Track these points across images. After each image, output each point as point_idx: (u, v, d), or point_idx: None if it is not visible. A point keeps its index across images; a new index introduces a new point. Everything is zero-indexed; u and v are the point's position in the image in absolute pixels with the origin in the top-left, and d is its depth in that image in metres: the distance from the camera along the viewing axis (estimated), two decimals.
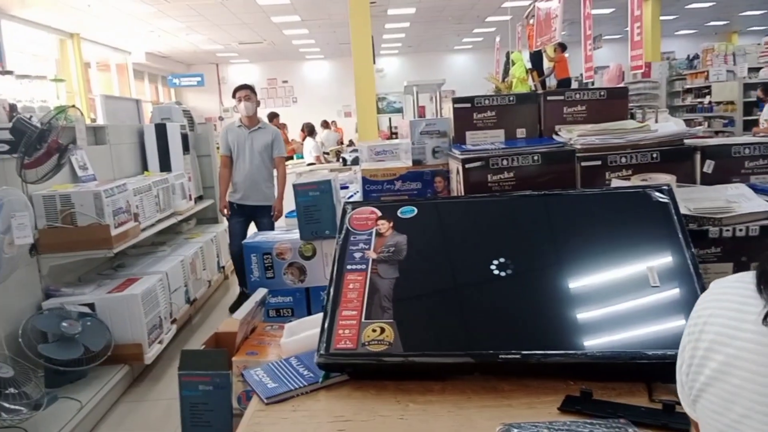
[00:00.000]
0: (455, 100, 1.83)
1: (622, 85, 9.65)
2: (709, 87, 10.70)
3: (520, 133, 1.82)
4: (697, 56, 12.01)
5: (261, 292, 1.67)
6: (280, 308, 1.97)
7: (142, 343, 3.59)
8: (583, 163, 1.58)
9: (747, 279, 0.65)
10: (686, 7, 14.49)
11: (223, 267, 5.92)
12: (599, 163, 1.58)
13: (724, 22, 17.34)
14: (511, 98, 1.82)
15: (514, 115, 1.82)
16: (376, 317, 1.24)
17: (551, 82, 10.99)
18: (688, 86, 11.81)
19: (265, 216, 4.89)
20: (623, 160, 1.58)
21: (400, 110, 16.75)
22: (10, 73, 8.14)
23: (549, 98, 1.82)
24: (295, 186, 1.88)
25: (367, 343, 1.20)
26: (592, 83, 10.33)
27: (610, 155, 1.58)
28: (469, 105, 1.81)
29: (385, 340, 1.20)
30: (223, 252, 5.94)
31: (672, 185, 1.38)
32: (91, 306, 3.49)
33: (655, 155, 1.58)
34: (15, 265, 2.85)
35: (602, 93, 1.82)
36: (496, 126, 1.81)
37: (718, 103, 10.27)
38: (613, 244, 1.27)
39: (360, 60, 5.37)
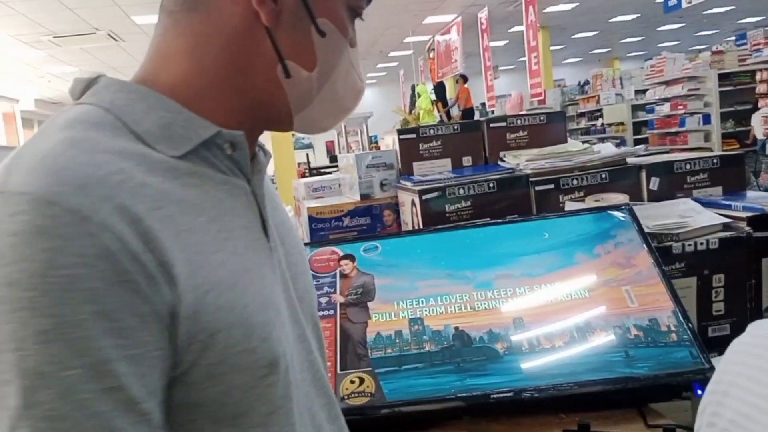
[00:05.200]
0: (400, 132, 1.79)
1: (524, 111, 10.10)
2: (600, 110, 11.41)
3: (466, 161, 1.80)
4: (587, 82, 12.81)
5: None
6: None
7: None
8: (537, 188, 1.57)
9: None
10: (572, 36, 15.50)
11: None
12: (552, 186, 1.57)
13: (607, 50, 18.68)
14: (456, 127, 1.80)
15: (459, 144, 1.79)
16: (353, 366, 1.14)
17: (455, 111, 11.34)
18: (581, 110, 12.55)
19: None
20: (574, 182, 1.58)
21: (309, 146, 16.70)
22: None
23: (492, 125, 1.81)
24: None
25: (346, 397, 1.10)
26: (493, 112, 10.76)
27: (562, 178, 1.58)
28: (414, 136, 1.77)
29: (366, 391, 1.11)
30: None
31: None
32: None
33: (603, 175, 1.60)
34: None
35: (542, 118, 1.84)
36: (442, 155, 1.78)
37: (610, 124, 10.95)
38: (585, 267, 1.26)
39: None
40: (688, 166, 1.61)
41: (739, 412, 0.49)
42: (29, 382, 0.40)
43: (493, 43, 11.39)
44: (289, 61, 0.58)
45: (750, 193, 1.64)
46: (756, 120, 6.69)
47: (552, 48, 14.49)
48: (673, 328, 1.14)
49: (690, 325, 1.14)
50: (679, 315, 1.16)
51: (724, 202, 1.51)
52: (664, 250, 1.32)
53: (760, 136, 6.32)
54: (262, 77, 0.58)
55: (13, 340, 0.40)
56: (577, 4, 11.65)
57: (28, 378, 0.40)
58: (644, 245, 1.27)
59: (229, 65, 0.57)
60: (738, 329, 1.41)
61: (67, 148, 0.47)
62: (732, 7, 13.57)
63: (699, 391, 1.06)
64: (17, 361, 0.40)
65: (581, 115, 12.56)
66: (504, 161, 1.76)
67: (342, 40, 0.62)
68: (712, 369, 1.06)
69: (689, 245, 1.33)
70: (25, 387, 0.40)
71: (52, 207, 0.42)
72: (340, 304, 1.24)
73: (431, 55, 11.13)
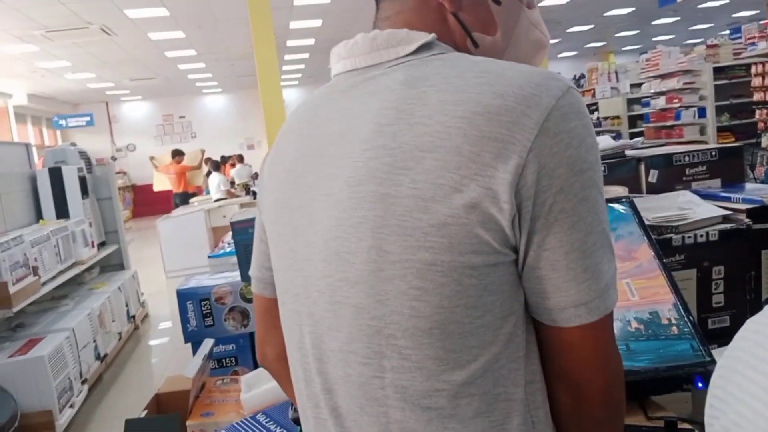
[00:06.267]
0: None
1: None
2: (596, 103, 11.40)
3: None
4: (583, 75, 12.80)
5: (208, 344, 1.51)
6: (223, 358, 1.81)
7: (52, 410, 3.24)
8: None
9: None
10: (567, 30, 15.47)
11: (134, 316, 5.54)
12: None
13: (602, 44, 18.67)
14: None
15: None
16: None
17: None
18: None
19: None
20: None
21: None
22: None
23: None
24: (232, 224, 1.75)
25: None
26: None
27: None
28: None
29: None
30: (132, 300, 5.56)
31: None
32: None
33: (603, 168, 1.58)
34: None
35: None
36: None
37: (606, 118, 10.95)
38: None
39: (268, 91, 5.25)
40: (686, 159, 1.61)
41: (744, 389, 0.48)
42: (603, 192, 0.64)
43: None
44: (475, 33, 0.73)
45: (749, 185, 1.64)
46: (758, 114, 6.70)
47: None
48: (674, 321, 1.14)
49: (691, 317, 1.14)
50: (680, 308, 1.15)
51: (723, 194, 1.50)
52: (664, 243, 1.31)
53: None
54: (460, 50, 0.72)
55: (601, 172, 0.64)
56: None
57: (603, 190, 0.64)
58: (645, 238, 1.26)
59: (443, 41, 0.71)
60: (738, 321, 1.41)
61: (525, 66, 0.65)
62: (726, 2, 13.57)
63: (700, 384, 1.06)
64: (601, 181, 0.64)
65: None
66: None
67: (516, 4, 0.76)
68: (713, 362, 1.05)
69: (689, 237, 1.32)
70: (603, 194, 0.64)
71: None
72: None
73: None
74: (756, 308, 1.42)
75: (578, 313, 0.63)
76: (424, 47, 0.69)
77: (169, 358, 4.76)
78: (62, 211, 4.84)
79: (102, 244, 5.61)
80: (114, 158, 17.43)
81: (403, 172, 0.62)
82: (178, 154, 11.13)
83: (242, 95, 18.09)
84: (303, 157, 0.73)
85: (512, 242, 0.62)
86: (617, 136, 9.78)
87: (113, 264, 5.85)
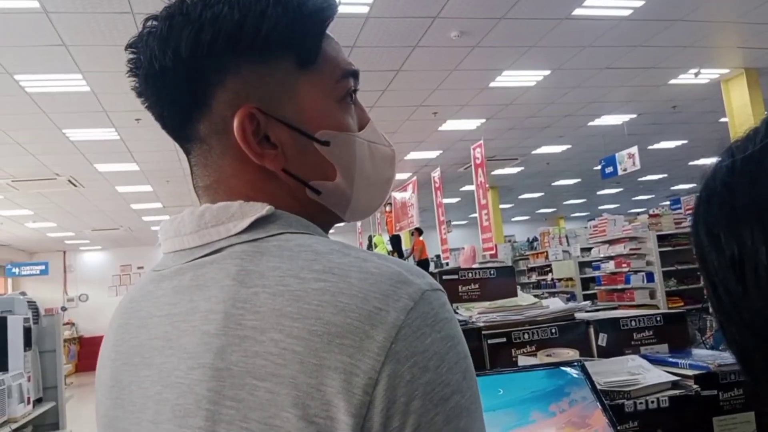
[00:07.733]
0: None
1: (476, 265, 10.34)
2: (550, 265, 11.80)
3: None
4: (536, 239, 13.36)
5: None
6: None
7: None
8: (490, 341, 1.58)
9: None
10: (519, 197, 16.42)
11: None
12: (504, 340, 1.58)
13: (552, 210, 19.77)
14: None
15: None
16: None
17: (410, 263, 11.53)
18: (531, 265, 12.97)
19: None
20: (526, 336, 1.60)
21: None
22: None
23: (444, 278, 1.86)
24: None
25: None
26: (447, 263, 11.00)
27: (513, 332, 1.60)
28: None
29: None
30: None
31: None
32: None
33: (553, 330, 1.62)
34: None
35: (492, 272, 1.90)
36: None
37: (560, 279, 11.28)
38: (540, 426, 1.23)
39: None
40: (633, 323, 1.66)
41: None
42: (479, 414, 0.53)
43: (446, 200, 11.94)
44: (313, 181, 0.63)
45: (695, 351, 1.68)
46: None
47: (501, 206, 15.27)
48: None
49: None
50: None
51: (671, 359, 1.54)
52: (617, 408, 1.32)
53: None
54: (302, 201, 0.63)
55: (475, 388, 0.54)
56: (522, 168, 12.50)
57: (479, 411, 0.53)
58: (598, 404, 1.27)
59: (280, 200, 0.62)
60: None
61: (388, 258, 0.57)
62: (665, 176, 14.76)
63: None
64: (475, 401, 0.53)
65: (532, 269, 12.94)
66: (457, 313, 1.78)
67: (347, 136, 0.65)
68: None
69: (641, 403, 1.33)
70: (479, 417, 0.53)
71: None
72: None
73: (388, 208, 11.56)
74: None
75: None
76: (260, 223, 0.59)
77: None
78: (1, 363, 4.57)
79: (38, 401, 5.24)
80: (64, 308, 16.83)
81: (232, 405, 0.51)
82: None
83: None
84: (129, 364, 0.61)
85: None
86: (571, 297, 10.02)
87: (48, 423, 5.42)
